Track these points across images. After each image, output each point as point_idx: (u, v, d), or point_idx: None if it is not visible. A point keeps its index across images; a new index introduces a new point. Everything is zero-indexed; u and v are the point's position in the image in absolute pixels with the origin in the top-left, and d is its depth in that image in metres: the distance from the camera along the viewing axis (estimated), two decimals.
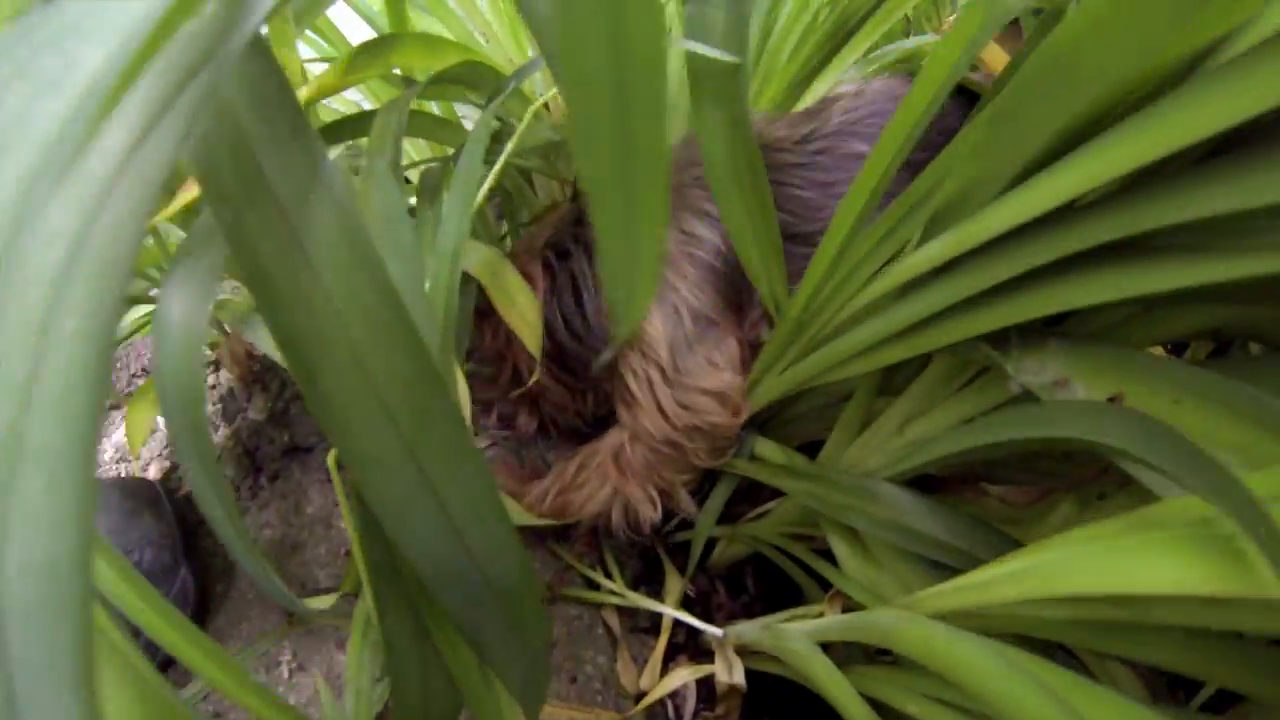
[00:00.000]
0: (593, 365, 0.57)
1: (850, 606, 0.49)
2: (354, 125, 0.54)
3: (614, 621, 0.60)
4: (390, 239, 0.38)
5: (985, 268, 0.38)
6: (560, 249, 0.57)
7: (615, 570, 0.62)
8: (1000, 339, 0.40)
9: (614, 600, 0.60)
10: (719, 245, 0.52)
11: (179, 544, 0.60)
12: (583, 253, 0.56)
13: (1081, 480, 0.43)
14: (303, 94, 0.51)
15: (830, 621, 0.46)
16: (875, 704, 0.41)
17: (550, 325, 0.56)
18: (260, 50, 0.28)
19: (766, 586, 0.63)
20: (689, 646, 0.58)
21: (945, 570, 0.45)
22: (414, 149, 0.78)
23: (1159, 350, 0.45)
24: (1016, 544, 0.43)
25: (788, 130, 0.53)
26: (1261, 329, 0.38)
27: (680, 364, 0.52)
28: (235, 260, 0.27)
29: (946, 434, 0.44)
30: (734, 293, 0.54)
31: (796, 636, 0.47)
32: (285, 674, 0.57)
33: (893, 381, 0.51)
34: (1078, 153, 0.32)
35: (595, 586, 0.61)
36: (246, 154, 0.28)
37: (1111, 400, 0.35)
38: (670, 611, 0.57)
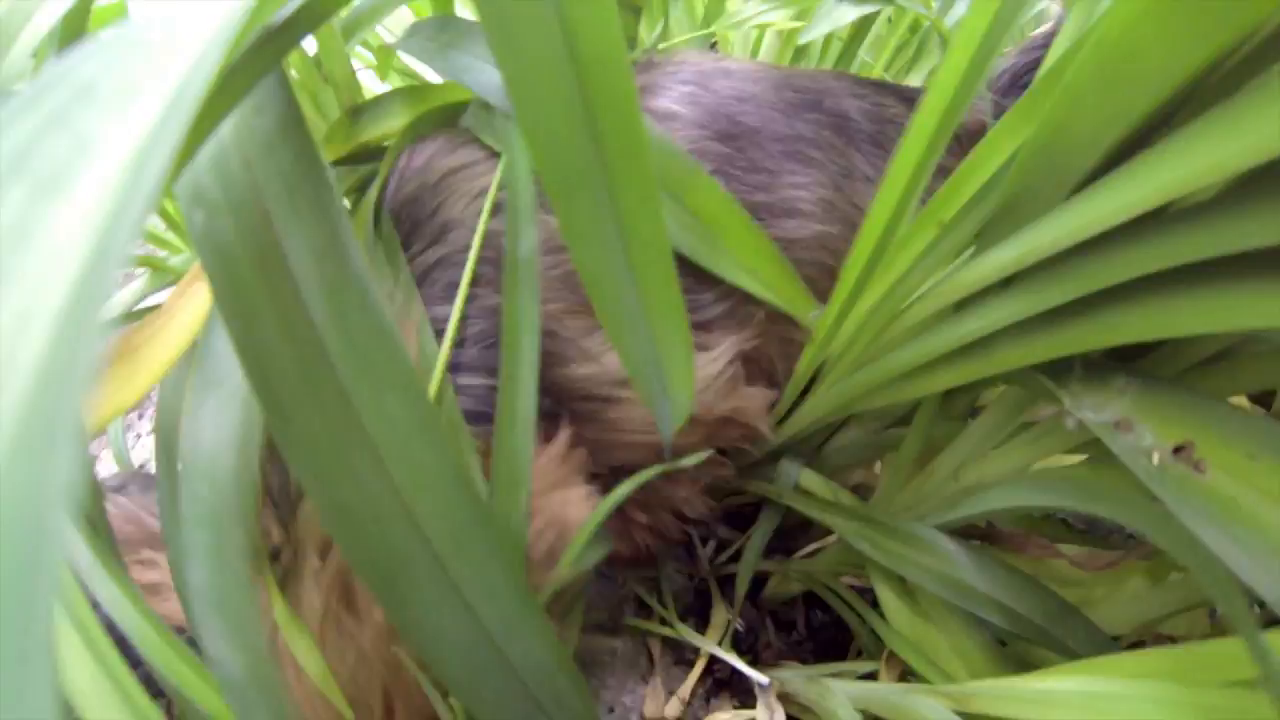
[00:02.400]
0: None
1: (905, 669, 0.45)
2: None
3: (657, 651, 0.57)
4: None
5: (1051, 283, 0.32)
6: None
7: (669, 599, 0.59)
8: (1063, 369, 0.34)
9: (663, 631, 0.57)
10: None
11: None
12: None
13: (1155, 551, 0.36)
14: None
15: (873, 690, 0.42)
16: None
17: None
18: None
19: (818, 627, 0.58)
20: (733, 684, 0.55)
21: (994, 630, 0.40)
22: None
23: (1243, 400, 0.37)
24: (1076, 612, 0.38)
25: None
26: None
27: None
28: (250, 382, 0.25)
29: (998, 486, 0.38)
30: None
31: (840, 700, 0.43)
32: None
33: (954, 411, 0.45)
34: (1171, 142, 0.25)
35: (648, 613, 0.59)
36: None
37: (1178, 451, 0.28)
38: (709, 645, 0.54)
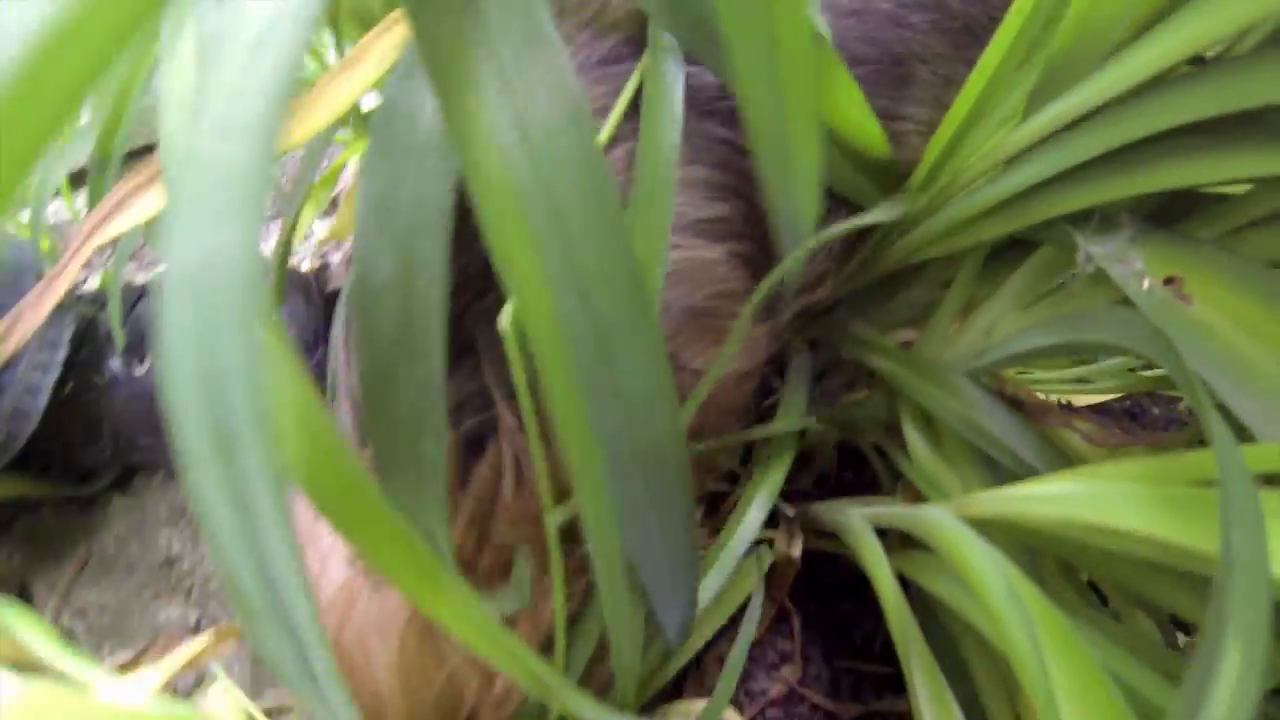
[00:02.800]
0: None
1: (919, 497, 0.50)
2: None
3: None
4: None
5: (1087, 135, 0.36)
6: None
7: None
8: (1084, 220, 0.38)
9: None
10: None
11: (321, 328, 0.70)
12: None
13: (1163, 440, 0.41)
14: None
15: (886, 509, 0.48)
16: (911, 586, 0.45)
17: None
18: None
19: (849, 484, 0.64)
20: None
21: (1003, 473, 0.45)
22: None
23: None
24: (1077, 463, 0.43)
25: None
26: None
27: None
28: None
29: (1018, 333, 0.43)
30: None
31: (855, 516, 0.49)
32: None
33: (997, 277, 0.49)
34: None
35: None
36: None
37: (1168, 282, 0.33)
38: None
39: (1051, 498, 0.36)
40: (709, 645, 0.64)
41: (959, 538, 0.38)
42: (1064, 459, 0.44)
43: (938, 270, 0.53)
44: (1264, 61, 0.30)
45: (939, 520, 0.41)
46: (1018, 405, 0.52)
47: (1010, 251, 0.47)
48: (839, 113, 0.40)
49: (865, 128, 0.41)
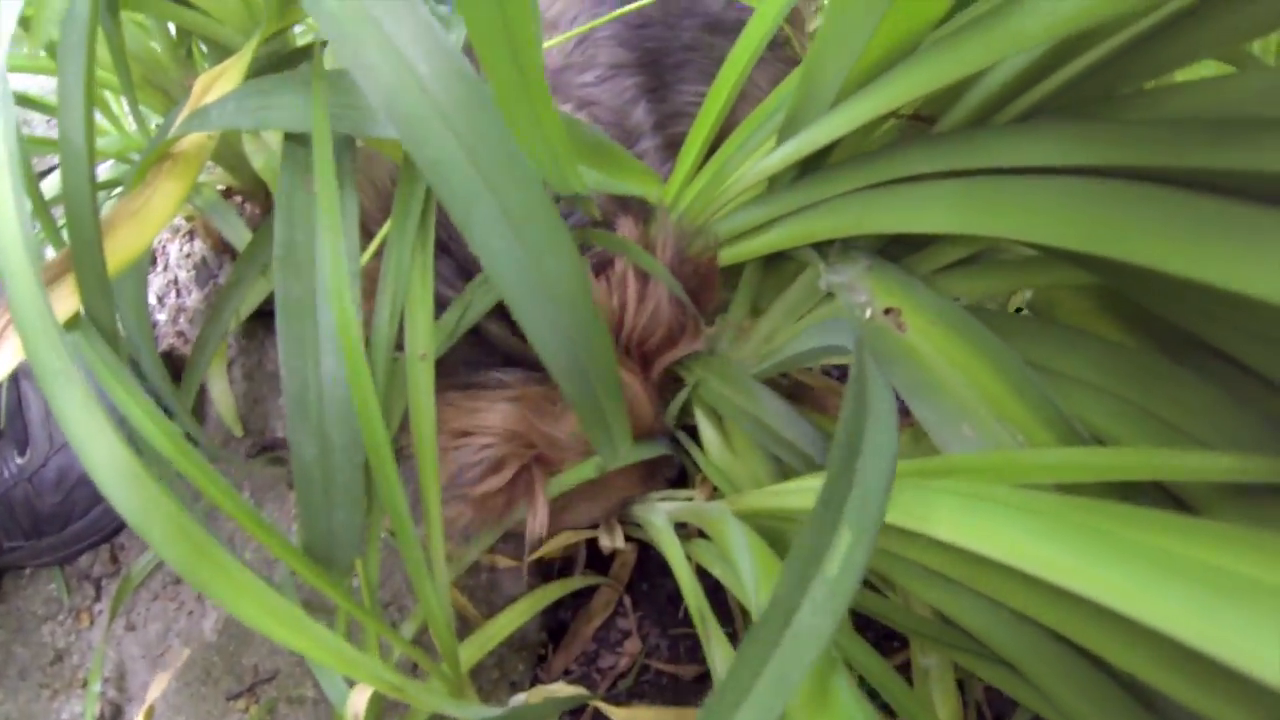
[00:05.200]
0: None
1: (714, 491, 0.55)
2: None
3: None
4: None
5: (824, 181, 0.41)
6: None
7: None
8: (828, 248, 0.43)
9: None
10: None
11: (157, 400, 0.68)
12: None
13: None
14: None
15: (683, 505, 0.52)
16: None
17: None
18: None
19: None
20: None
21: (784, 466, 0.49)
22: None
23: None
24: None
25: None
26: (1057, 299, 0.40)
27: None
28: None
29: (794, 339, 0.48)
30: None
31: (658, 512, 0.53)
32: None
33: (779, 284, 0.54)
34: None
35: None
36: None
37: (888, 312, 0.38)
38: None
39: (801, 491, 0.40)
40: (553, 632, 0.68)
41: (727, 527, 0.42)
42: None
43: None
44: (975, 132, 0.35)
45: (716, 514, 0.45)
46: (799, 394, 0.57)
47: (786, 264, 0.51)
48: None
49: None
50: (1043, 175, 0.31)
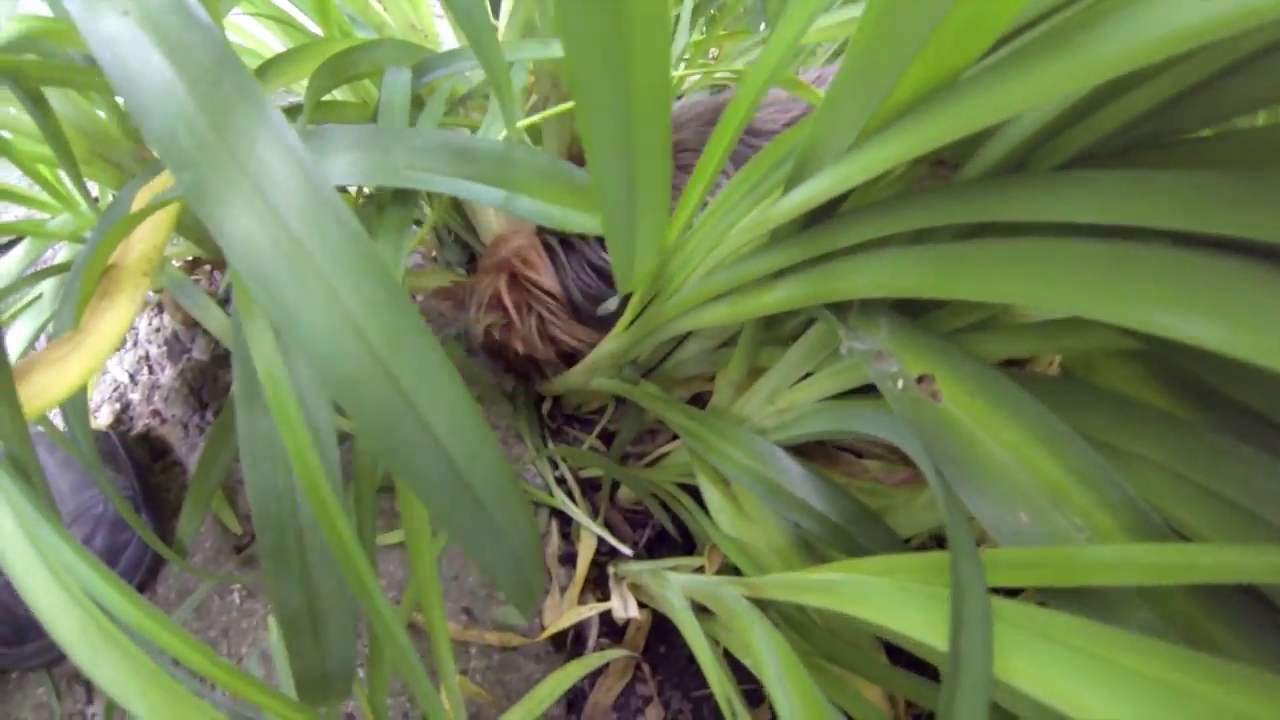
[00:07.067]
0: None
1: (724, 562, 0.51)
2: None
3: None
4: None
5: (838, 231, 0.37)
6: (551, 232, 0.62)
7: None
8: (846, 309, 0.39)
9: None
10: None
11: (137, 491, 0.64)
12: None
13: None
14: None
15: (697, 581, 0.49)
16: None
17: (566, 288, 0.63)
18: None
19: (666, 528, 0.65)
20: (589, 582, 0.61)
21: (802, 531, 0.46)
22: None
23: None
24: (873, 517, 0.44)
25: None
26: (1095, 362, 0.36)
27: None
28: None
29: (810, 415, 0.44)
30: None
31: (673, 588, 0.49)
32: (236, 600, 0.62)
33: (779, 338, 0.50)
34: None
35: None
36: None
37: (920, 380, 0.34)
38: (595, 528, 0.60)
39: (837, 586, 0.37)
40: (571, 703, 0.64)
41: (750, 622, 0.39)
42: (858, 507, 0.45)
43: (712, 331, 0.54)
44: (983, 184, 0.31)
45: (733, 602, 0.42)
46: (808, 455, 0.53)
47: (790, 317, 0.47)
48: None
49: None
50: (1085, 237, 0.27)
